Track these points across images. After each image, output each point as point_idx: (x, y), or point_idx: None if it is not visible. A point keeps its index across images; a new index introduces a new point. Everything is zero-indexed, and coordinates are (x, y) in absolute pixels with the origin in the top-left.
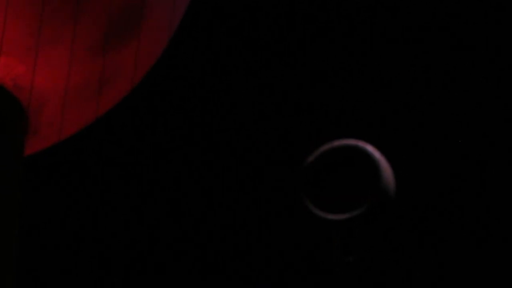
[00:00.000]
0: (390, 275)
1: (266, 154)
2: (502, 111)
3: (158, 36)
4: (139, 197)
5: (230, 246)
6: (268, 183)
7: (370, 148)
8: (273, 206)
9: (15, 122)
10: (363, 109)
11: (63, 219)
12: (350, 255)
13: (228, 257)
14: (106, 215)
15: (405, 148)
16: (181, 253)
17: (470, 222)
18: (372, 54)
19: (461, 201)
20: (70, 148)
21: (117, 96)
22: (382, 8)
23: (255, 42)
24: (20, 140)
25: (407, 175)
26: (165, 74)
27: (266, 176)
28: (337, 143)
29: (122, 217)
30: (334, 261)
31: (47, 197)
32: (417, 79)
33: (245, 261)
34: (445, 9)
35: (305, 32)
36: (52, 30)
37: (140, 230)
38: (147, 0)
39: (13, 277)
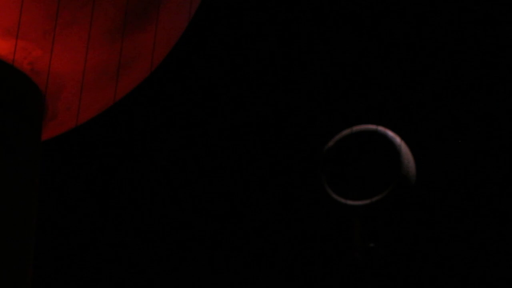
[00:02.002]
0: (410, 261)
1: (287, 140)
2: None
3: (176, 20)
4: (155, 181)
5: (252, 231)
6: (289, 168)
7: (390, 133)
8: (294, 192)
9: (33, 107)
10: (383, 96)
11: (81, 202)
12: (371, 241)
13: (249, 242)
14: (125, 197)
15: (425, 133)
16: (204, 234)
17: (489, 206)
18: (392, 44)
19: (480, 186)
20: (87, 132)
21: (135, 80)
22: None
23: (277, 28)
24: (38, 125)
25: (427, 160)
26: (183, 58)
27: (287, 162)
28: (357, 128)
29: (142, 200)
30: (355, 247)
31: (65, 181)
32: (436, 68)
33: (265, 246)
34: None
35: (330, 21)
36: (69, 13)
37: (162, 210)
38: None
39: (31, 256)
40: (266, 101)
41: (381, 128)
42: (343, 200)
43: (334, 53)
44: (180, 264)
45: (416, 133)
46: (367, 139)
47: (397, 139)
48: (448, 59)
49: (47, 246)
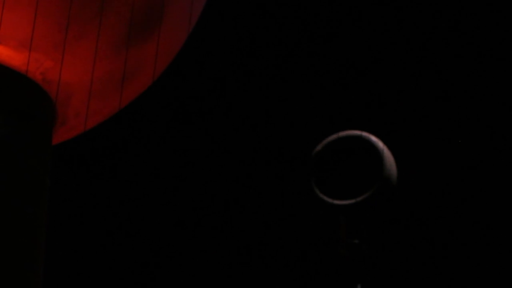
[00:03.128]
0: (392, 256)
1: (278, 144)
2: (498, 105)
3: (177, 32)
4: (152, 186)
5: (245, 229)
6: (281, 170)
7: (373, 138)
8: (284, 193)
9: (44, 113)
10: (367, 103)
11: (90, 203)
12: (355, 238)
13: (242, 239)
14: (129, 197)
15: (406, 138)
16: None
17: (466, 209)
18: (375, 53)
19: (457, 188)
20: (94, 137)
21: (139, 88)
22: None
23: (269, 40)
24: (49, 130)
25: (408, 163)
26: (184, 68)
27: (279, 164)
28: (343, 133)
29: (148, 204)
30: (340, 243)
31: (74, 183)
32: (417, 76)
33: (257, 243)
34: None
35: (315, 32)
36: (78, 27)
37: (166, 214)
38: None
39: (42, 257)
40: (263, 111)
41: (365, 134)
42: (330, 200)
43: (325, 65)
44: (178, 263)
45: (397, 138)
46: (353, 143)
47: (380, 144)
48: (427, 70)
49: (58, 246)
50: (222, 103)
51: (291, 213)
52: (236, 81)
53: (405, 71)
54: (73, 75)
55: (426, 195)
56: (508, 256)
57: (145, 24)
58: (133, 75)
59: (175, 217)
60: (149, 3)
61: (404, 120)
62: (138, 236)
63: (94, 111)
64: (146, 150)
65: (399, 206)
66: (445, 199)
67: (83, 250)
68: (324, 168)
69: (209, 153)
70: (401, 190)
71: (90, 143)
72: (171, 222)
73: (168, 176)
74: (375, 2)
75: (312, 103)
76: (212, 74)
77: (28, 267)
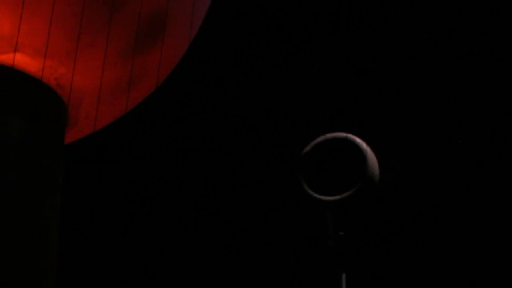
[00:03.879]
0: (374, 247)
1: (270, 145)
2: (493, 105)
3: (179, 42)
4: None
5: (241, 224)
6: (272, 170)
7: (358, 140)
8: (276, 189)
9: (57, 116)
10: (353, 107)
11: (101, 200)
12: (341, 230)
13: (237, 233)
14: (133, 195)
15: (388, 140)
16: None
17: (443, 203)
18: (362, 59)
19: (435, 184)
20: (103, 137)
21: (144, 92)
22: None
23: (265, 48)
24: (61, 131)
25: (389, 163)
26: (186, 73)
27: (271, 164)
28: (330, 135)
29: (154, 206)
30: (327, 235)
31: (86, 180)
32: (400, 80)
33: (251, 237)
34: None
35: (300, 36)
36: (89, 37)
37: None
38: (170, 11)
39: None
40: (253, 113)
41: (350, 136)
42: (318, 196)
43: (310, 70)
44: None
45: (380, 139)
46: (338, 145)
47: (364, 145)
48: (408, 76)
49: (69, 244)
50: (221, 106)
51: (282, 207)
52: (236, 86)
53: (389, 77)
54: (84, 80)
55: (406, 191)
56: (486, 251)
57: (149, 33)
58: (139, 80)
59: (175, 217)
60: (153, 14)
61: (387, 123)
62: (142, 235)
63: (103, 114)
64: (150, 150)
65: (380, 201)
66: (425, 195)
67: (93, 249)
68: (313, 167)
69: (208, 153)
70: (382, 187)
71: (99, 143)
72: (170, 222)
73: (170, 176)
74: (374, 2)
75: (302, 107)
76: (212, 79)
77: (41, 266)
